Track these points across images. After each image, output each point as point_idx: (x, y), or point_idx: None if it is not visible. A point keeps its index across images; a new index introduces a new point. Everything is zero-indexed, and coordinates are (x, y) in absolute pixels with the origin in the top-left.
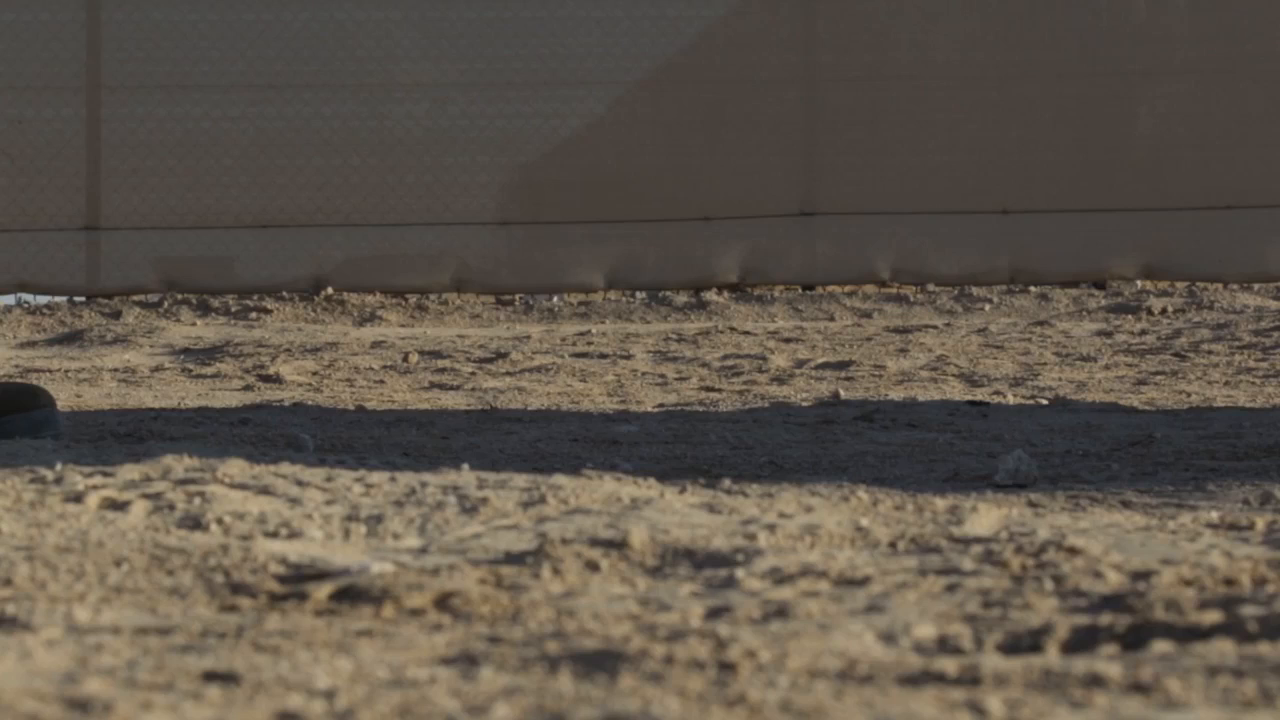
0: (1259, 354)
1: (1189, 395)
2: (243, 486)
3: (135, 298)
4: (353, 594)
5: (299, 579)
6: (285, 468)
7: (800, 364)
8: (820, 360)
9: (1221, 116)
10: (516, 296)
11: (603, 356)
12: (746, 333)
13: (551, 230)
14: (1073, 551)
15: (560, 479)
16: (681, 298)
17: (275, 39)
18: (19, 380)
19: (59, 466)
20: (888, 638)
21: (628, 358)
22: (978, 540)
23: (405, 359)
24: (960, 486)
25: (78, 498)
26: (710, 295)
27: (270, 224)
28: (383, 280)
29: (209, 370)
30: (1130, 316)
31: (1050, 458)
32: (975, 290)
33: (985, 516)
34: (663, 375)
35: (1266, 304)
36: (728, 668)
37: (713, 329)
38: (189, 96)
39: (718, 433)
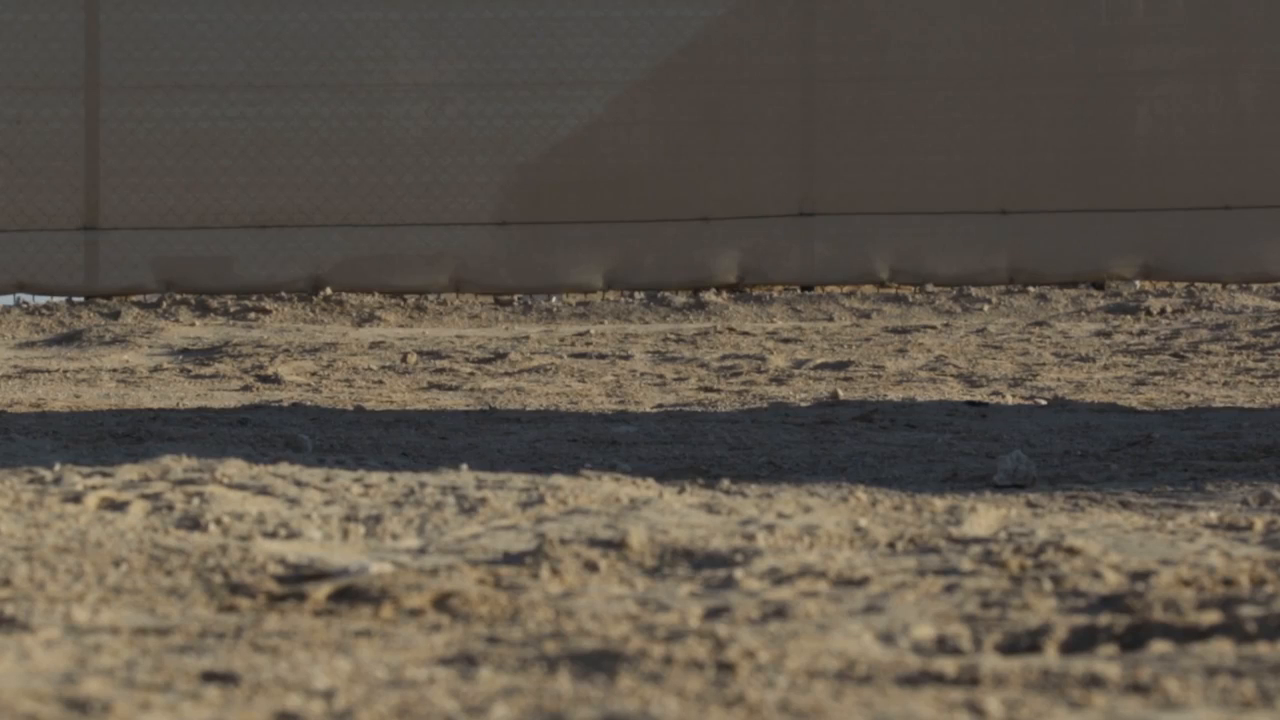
0: (1257, 354)
1: (1188, 395)
2: (241, 487)
3: (134, 298)
4: (351, 594)
5: (298, 579)
6: (284, 468)
7: (799, 364)
8: (819, 361)
9: (1220, 117)
10: (515, 297)
11: (601, 357)
12: (745, 333)
13: (550, 230)
14: (1071, 552)
15: (559, 479)
16: (680, 298)
17: (274, 39)
18: None
19: (58, 467)
20: (886, 638)
21: (626, 358)
22: (976, 541)
23: (404, 359)
24: (959, 487)
25: (76, 498)
26: (709, 295)
27: (269, 224)
28: (381, 280)
29: (208, 370)
30: (1129, 317)
31: (1049, 458)
32: (974, 291)
33: (984, 517)
34: (661, 376)
35: (1265, 304)
36: (726, 668)
37: (711, 329)
38: (187, 96)
39: (716, 433)
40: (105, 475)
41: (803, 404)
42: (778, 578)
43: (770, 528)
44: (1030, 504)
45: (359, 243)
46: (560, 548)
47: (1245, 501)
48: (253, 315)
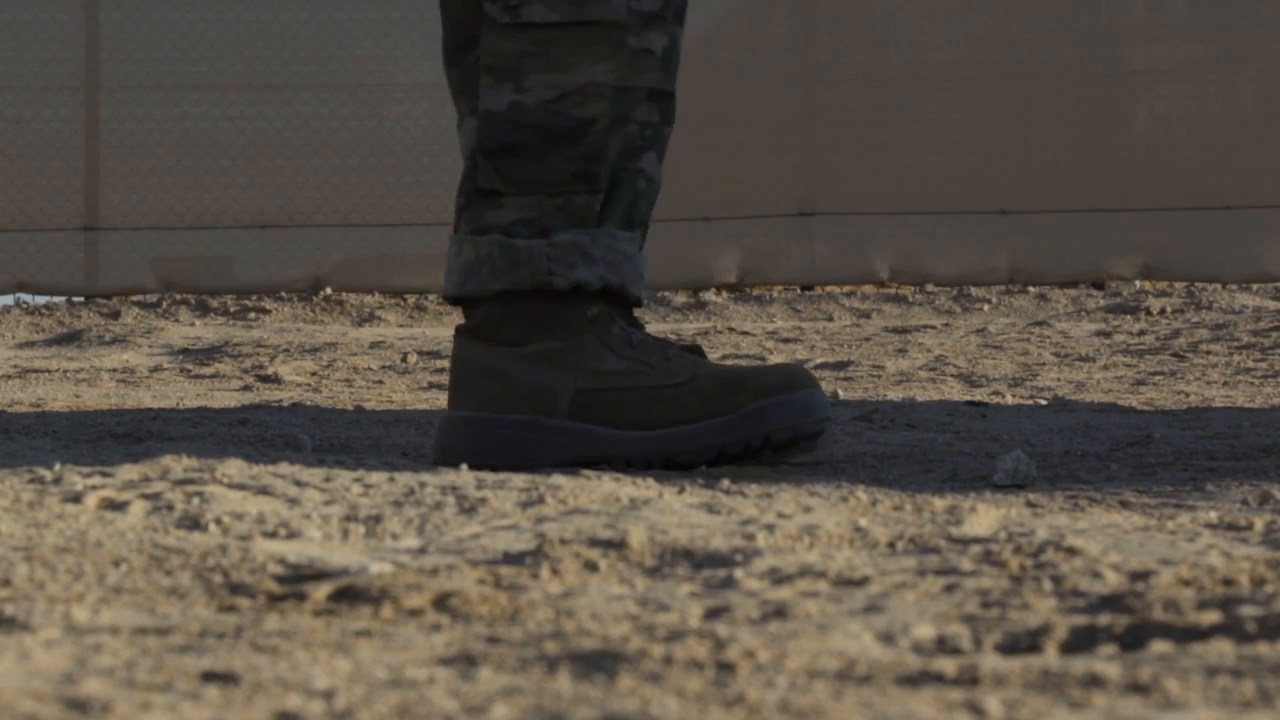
0: (1257, 354)
1: (1188, 395)
2: (241, 486)
3: (134, 298)
4: (351, 594)
5: (297, 579)
6: (284, 468)
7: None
8: (819, 360)
9: (1219, 117)
10: None
11: None
12: (745, 333)
13: None
14: (1071, 552)
15: (559, 479)
16: (680, 298)
17: (274, 39)
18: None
19: (58, 466)
20: (886, 638)
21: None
22: (976, 540)
23: (404, 359)
24: (959, 487)
25: (76, 498)
26: (709, 295)
27: (269, 224)
28: (381, 280)
29: (207, 370)
30: (1129, 317)
31: (1049, 458)
32: (974, 290)
33: (984, 517)
34: None
35: (1265, 304)
36: (726, 668)
37: (711, 329)
38: (187, 96)
39: None
40: (105, 475)
41: None
42: (778, 578)
43: (770, 527)
44: (1030, 504)
45: (359, 243)
46: (560, 547)
47: (1245, 501)
48: (253, 315)
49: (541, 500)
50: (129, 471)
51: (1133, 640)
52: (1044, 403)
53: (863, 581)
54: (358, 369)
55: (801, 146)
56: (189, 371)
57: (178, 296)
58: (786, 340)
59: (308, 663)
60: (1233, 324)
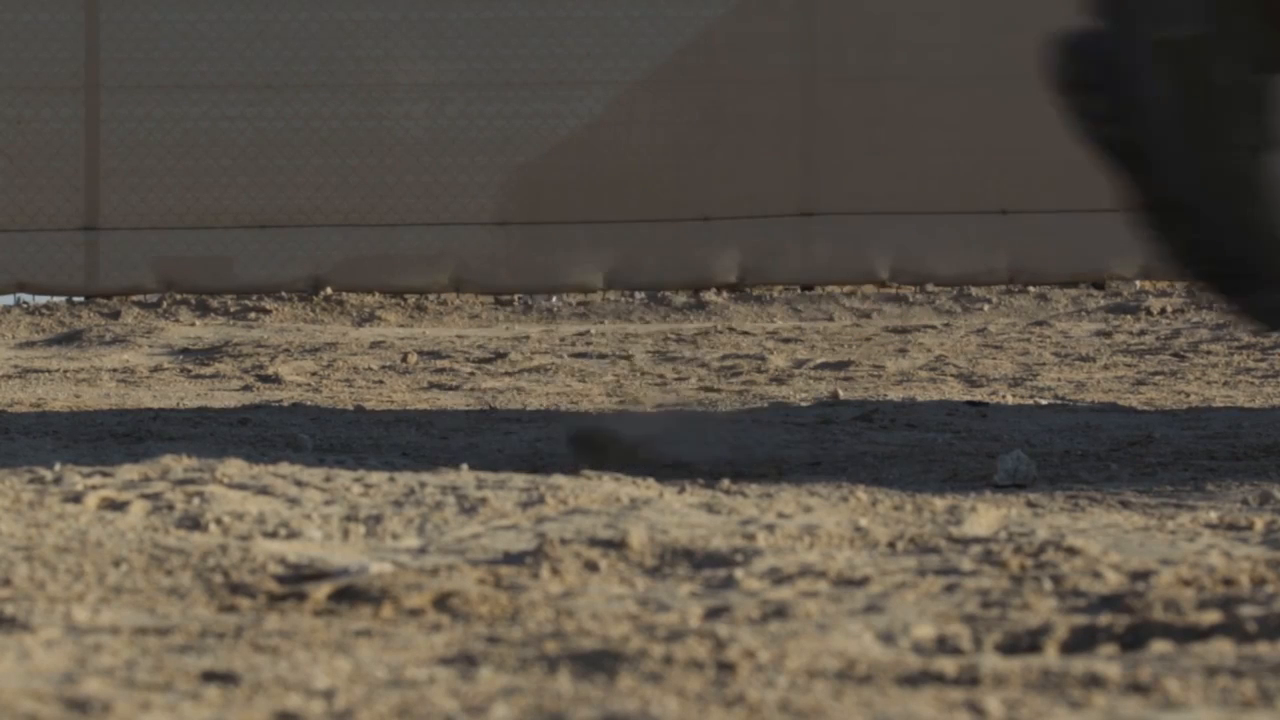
0: (1258, 354)
1: (1188, 395)
2: (241, 487)
3: (134, 298)
4: (351, 594)
5: (298, 579)
6: (284, 468)
7: (799, 364)
8: (819, 360)
9: None
10: (515, 296)
11: (602, 356)
12: (745, 333)
13: (550, 230)
14: (1071, 552)
15: (559, 479)
16: (680, 298)
17: (274, 39)
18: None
19: (58, 466)
20: (886, 638)
21: (627, 358)
22: (976, 540)
23: (404, 359)
24: (959, 487)
25: (77, 498)
26: (709, 295)
27: (269, 224)
28: (381, 280)
29: (208, 370)
30: (1129, 316)
31: (1049, 458)
32: (974, 290)
33: (984, 517)
34: (662, 375)
35: None
36: (726, 668)
37: (712, 329)
38: (187, 96)
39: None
40: (105, 475)
41: (803, 404)
42: (778, 577)
43: (770, 527)
44: (1030, 504)
45: (359, 243)
46: (560, 547)
47: (1245, 501)
48: (253, 315)
49: (542, 500)
50: (129, 471)
51: (1133, 640)
52: (1044, 403)
53: (863, 581)
54: (358, 369)
55: (801, 146)
56: (189, 371)
57: (178, 296)
58: (787, 340)
59: (308, 663)
60: (1233, 324)
